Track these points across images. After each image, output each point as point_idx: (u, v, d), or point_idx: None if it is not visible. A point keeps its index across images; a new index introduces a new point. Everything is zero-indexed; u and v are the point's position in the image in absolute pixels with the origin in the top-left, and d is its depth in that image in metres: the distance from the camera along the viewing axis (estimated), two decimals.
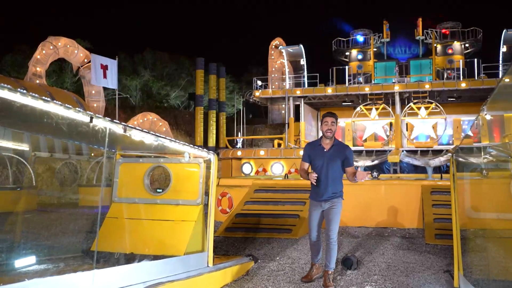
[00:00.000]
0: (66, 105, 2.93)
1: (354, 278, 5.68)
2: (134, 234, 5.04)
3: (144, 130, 3.81)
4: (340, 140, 5.32)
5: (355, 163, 21.23)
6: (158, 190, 5.33)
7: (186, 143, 4.61)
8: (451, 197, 4.74)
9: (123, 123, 3.52)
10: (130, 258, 4.61)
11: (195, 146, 4.82)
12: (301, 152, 5.59)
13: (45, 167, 15.16)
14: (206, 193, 5.15)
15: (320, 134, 5.39)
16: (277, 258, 6.80)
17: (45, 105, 2.85)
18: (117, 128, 3.49)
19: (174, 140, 4.36)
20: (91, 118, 3.16)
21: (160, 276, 4.19)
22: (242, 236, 8.71)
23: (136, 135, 3.76)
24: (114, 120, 3.43)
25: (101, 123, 3.31)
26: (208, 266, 5.04)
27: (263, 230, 8.90)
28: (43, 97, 2.79)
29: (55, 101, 2.84)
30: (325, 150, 5.23)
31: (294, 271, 6.00)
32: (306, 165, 5.38)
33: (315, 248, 5.50)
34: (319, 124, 27.22)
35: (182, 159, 5.22)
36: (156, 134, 4.03)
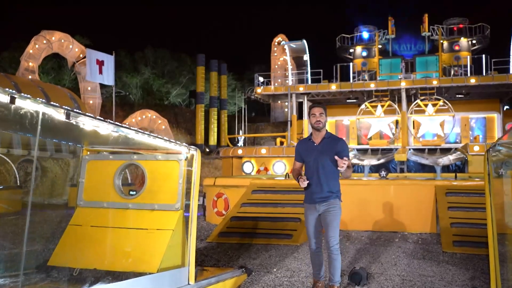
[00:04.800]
0: None
1: None
2: (100, 245, 4.20)
3: (98, 118, 2.99)
4: (344, 138, 4.67)
5: (360, 162, 20.50)
6: (131, 193, 4.49)
7: (159, 136, 3.77)
8: (486, 200, 3.89)
9: (66, 107, 2.69)
10: (90, 277, 3.79)
11: (172, 140, 3.98)
12: None
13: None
14: (188, 196, 4.31)
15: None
16: (274, 269, 5.95)
17: None
18: (56, 113, 2.66)
19: (143, 131, 3.52)
20: (12, 98, 2.33)
21: None
22: (237, 242, 7.87)
23: (86, 123, 2.93)
24: (52, 103, 2.60)
25: (30, 106, 2.48)
26: (189, 283, 4.19)
27: (260, 236, 8.05)
28: None
29: None
30: (315, 144, 4.66)
31: (293, 287, 5.16)
32: (298, 165, 4.84)
33: (316, 260, 4.74)
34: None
35: (159, 155, 4.38)
36: (117, 123, 3.20)
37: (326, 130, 4.70)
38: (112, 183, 4.48)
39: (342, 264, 6.13)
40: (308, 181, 4.48)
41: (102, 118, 3.04)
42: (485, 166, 3.77)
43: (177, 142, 4.05)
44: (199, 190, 4.43)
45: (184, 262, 4.24)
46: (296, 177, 4.69)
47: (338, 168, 4.27)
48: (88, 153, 4.66)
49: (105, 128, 3.13)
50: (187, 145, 4.20)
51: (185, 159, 4.30)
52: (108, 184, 4.49)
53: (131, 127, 3.35)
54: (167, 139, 3.89)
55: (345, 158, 4.25)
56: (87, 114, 2.87)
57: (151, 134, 3.63)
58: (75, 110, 2.75)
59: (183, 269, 4.17)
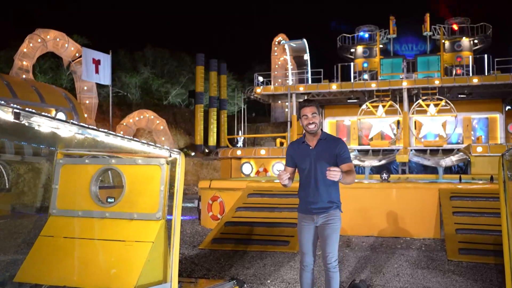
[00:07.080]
0: None
1: None
2: (73, 259, 3.82)
3: (57, 118, 2.60)
4: (345, 139, 4.15)
5: (360, 163, 20.08)
6: (109, 200, 4.10)
7: (135, 139, 3.38)
8: (501, 206, 3.51)
9: (16, 106, 2.30)
10: None
11: (151, 143, 3.59)
12: None
13: None
14: (170, 204, 3.92)
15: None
16: (268, 281, 5.55)
17: None
18: (2, 113, 2.27)
19: (115, 134, 3.13)
20: None
21: None
22: (232, 249, 7.48)
23: (43, 124, 2.55)
24: None
25: None
26: None
27: (255, 242, 7.65)
28: None
29: None
30: (310, 148, 3.98)
31: None
32: (290, 170, 4.06)
33: (307, 280, 4.05)
34: (323, 121, 26.12)
35: (139, 159, 3.99)
36: (82, 124, 2.81)
37: (321, 130, 4.05)
38: (88, 190, 4.09)
39: (341, 274, 5.75)
40: (287, 178, 3.81)
41: (62, 119, 2.66)
42: (500, 171, 3.38)
43: (157, 145, 3.66)
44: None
45: (166, 278, 3.85)
46: (282, 181, 3.92)
47: (328, 178, 3.56)
48: (63, 156, 4.27)
49: (67, 130, 2.74)
50: (169, 148, 3.81)
51: (168, 164, 3.92)
52: (84, 190, 4.10)
53: (101, 129, 2.95)
54: (145, 141, 3.50)
55: (332, 168, 3.56)
56: (43, 114, 2.48)
57: (125, 136, 3.24)
58: (27, 109, 2.37)
59: (164, 286, 3.78)
